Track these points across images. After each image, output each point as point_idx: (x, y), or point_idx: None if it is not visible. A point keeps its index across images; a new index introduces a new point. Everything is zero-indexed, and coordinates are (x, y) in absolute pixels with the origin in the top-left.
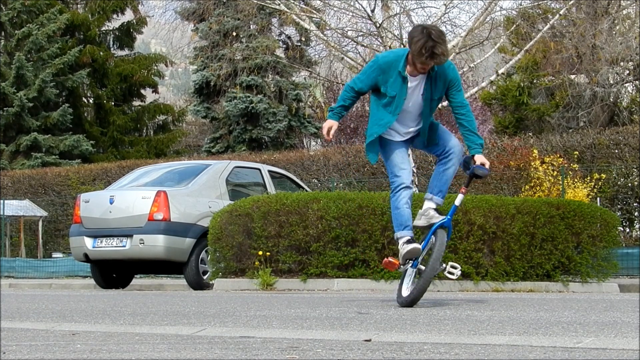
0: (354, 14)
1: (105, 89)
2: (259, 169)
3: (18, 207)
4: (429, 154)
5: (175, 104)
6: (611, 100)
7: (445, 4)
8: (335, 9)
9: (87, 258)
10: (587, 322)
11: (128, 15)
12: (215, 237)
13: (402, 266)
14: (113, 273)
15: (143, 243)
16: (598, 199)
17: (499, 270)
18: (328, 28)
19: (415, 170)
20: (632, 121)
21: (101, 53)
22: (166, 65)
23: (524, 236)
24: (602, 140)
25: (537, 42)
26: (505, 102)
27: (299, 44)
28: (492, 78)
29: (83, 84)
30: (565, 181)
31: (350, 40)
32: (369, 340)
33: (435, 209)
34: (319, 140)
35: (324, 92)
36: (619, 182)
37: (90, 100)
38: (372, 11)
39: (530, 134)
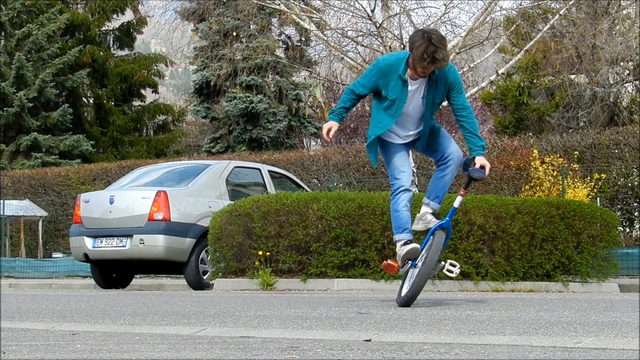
0: (354, 14)
1: (105, 89)
2: (259, 169)
3: (18, 207)
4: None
5: (175, 104)
6: (611, 100)
7: (445, 4)
8: (335, 9)
9: (87, 258)
10: (587, 322)
11: (128, 15)
12: (215, 237)
13: (401, 268)
14: (113, 273)
15: (143, 243)
16: (598, 199)
17: (499, 270)
18: (328, 28)
19: (415, 171)
20: (632, 121)
21: (101, 53)
22: (166, 65)
23: (524, 236)
24: (602, 140)
25: (537, 42)
26: (505, 102)
27: (299, 44)
28: (492, 78)
29: (83, 84)
30: (565, 181)
31: (350, 40)
32: (369, 340)
33: (432, 214)
34: (319, 140)
35: (324, 92)
36: (619, 182)
37: (90, 100)
38: (372, 11)
39: (530, 134)
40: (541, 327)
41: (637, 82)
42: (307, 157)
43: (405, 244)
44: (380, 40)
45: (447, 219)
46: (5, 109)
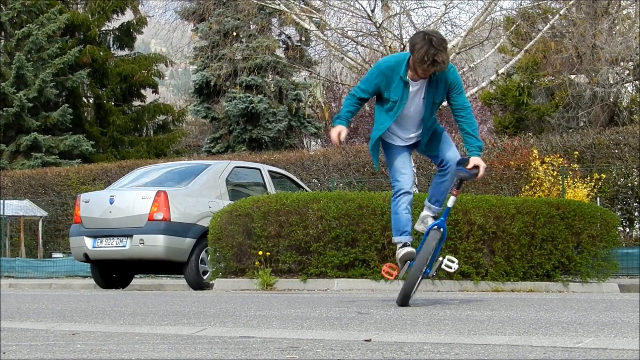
0: (354, 14)
1: (105, 89)
2: (259, 169)
3: (18, 207)
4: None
5: (175, 104)
6: (611, 100)
7: (445, 4)
8: (335, 9)
9: (87, 258)
10: (587, 322)
11: (128, 15)
12: (215, 237)
13: (401, 270)
14: (113, 273)
15: (143, 243)
16: (598, 199)
17: (499, 270)
18: (328, 28)
19: (415, 171)
20: (632, 121)
21: (101, 53)
22: (166, 65)
23: (524, 236)
24: (602, 140)
25: (537, 42)
26: (505, 102)
27: (299, 44)
28: (492, 78)
29: (83, 84)
30: (565, 181)
31: (350, 40)
32: (369, 340)
33: (433, 217)
34: (319, 140)
35: (324, 92)
36: (619, 182)
37: (90, 100)
38: (372, 11)
39: (530, 134)
40: (541, 327)
41: (637, 82)
42: (307, 157)
43: (404, 246)
44: (380, 40)
45: (442, 219)
46: (5, 109)
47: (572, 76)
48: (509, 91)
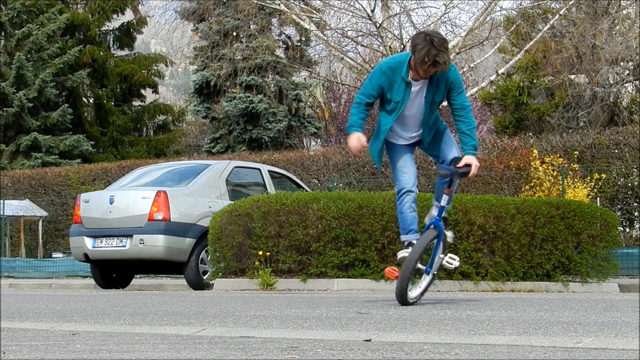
0: (354, 14)
1: (105, 89)
2: (259, 169)
3: (18, 207)
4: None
5: (175, 104)
6: (611, 100)
7: (445, 4)
8: (335, 9)
9: (87, 258)
10: (587, 322)
11: (128, 15)
12: (215, 237)
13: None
14: (113, 273)
15: (143, 243)
16: (598, 199)
17: (499, 270)
18: (328, 28)
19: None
20: (632, 121)
21: (101, 53)
22: (166, 65)
23: (524, 236)
24: (602, 140)
25: (537, 42)
26: (505, 102)
27: (299, 44)
28: (492, 78)
29: (83, 84)
30: (565, 181)
31: (350, 40)
32: (369, 340)
33: (442, 218)
34: (319, 140)
35: (324, 92)
36: (619, 182)
37: (90, 100)
38: (372, 11)
39: (530, 134)
40: (541, 327)
41: (637, 82)
42: (307, 157)
43: (408, 245)
44: (380, 40)
45: (437, 217)
46: (5, 109)
47: (572, 76)
48: (509, 91)
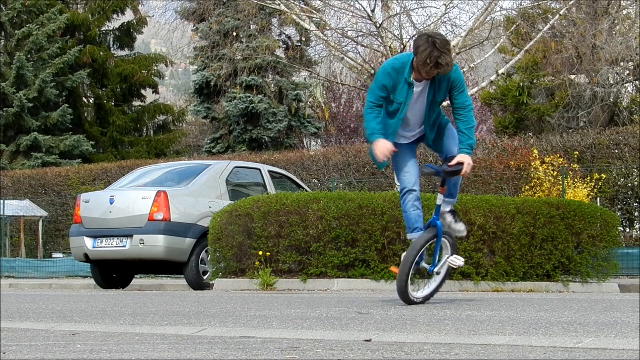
0: (354, 14)
1: (105, 89)
2: (259, 169)
3: (18, 207)
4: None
5: (175, 104)
6: (611, 100)
7: (445, 4)
8: (335, 9)
9: (87, 258)
10: (587, 322)
11: (128, 15)
12: (215, 237)
13: None
14: (113, 273)
15: (143, 243)
16: (598, 199)
17: (499, 270)
18: (328, 28)
19: None
20: (632, 121)
21: (101, 53)
22: (166, 65)
23: (524, 236)
24: (602, 140)
25: (537, 42)
26: (505, 102)
27: (299, 44)
28: (492, 78)
29: (83, 84)
30: (565, 181)
31: (350, 40)
32: (369, 340)
33: (450, 211)
34: (319, 140)
35: (324, 92)
36: (619, 182)
37: (90, 100)
38: (372, 11)
39: (530, 134)
40: (541, 327)
41: (637, 82)
42: (307, 157)
43: None
44: (380, 40)
45: (434, 217)
46: (5, 109)
47: (572, 76)
48: (509, 91)
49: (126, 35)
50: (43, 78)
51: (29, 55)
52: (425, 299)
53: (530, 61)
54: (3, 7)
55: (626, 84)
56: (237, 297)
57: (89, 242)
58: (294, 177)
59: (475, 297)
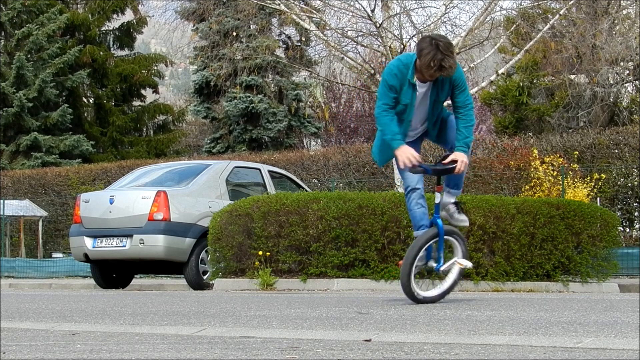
0: (354, 14)
1: (105, 89)
2: (259, 169)
3: (18, 207)
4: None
5: (175, 104)
6: (611, 100)
7: (445, 4)
8: (335, 9)
9: (87, 258)
10: (587, 322)
11: (128, 15)
12: (215, 237)
13: None
14: (113, 273)
15: (143, 243)
16: (598, 199)
17: (499, 270)
18: (328, 28)
19: None
20: (632, 121)
21: (101, 53)
22: (166, 65)
23: (524, 236)
24: (602, 140)
25: (537, 42)
26: (505, 102)
27: (299, 44)
28: (492, 78)
29: (83, 84)
30: (565, 181)
31: (350, 40)
32: (369, 340)
33: (455, 203)
34: (319, 140)
35: (324, 92)
36: (619, 182)
37: (90, 100)
38: (372, 11)
39: (530, 134)
40: (541, 327)
41: (637, 82)
42: (307, 157)
43: None
44: (380, 40)
45: (435, 215)
46: (5, 109)
47: (572, 76)
48: (509, 91)
49: (126, 35)
50: (43, 78)
51: (29, 55)
52: (435, 300)
53: (530, 61)
54: (3, 7)
55: (626, 84)
56: (237, 297)
57: (89, 242)
58: (294, 177)
59: (475, 297)
